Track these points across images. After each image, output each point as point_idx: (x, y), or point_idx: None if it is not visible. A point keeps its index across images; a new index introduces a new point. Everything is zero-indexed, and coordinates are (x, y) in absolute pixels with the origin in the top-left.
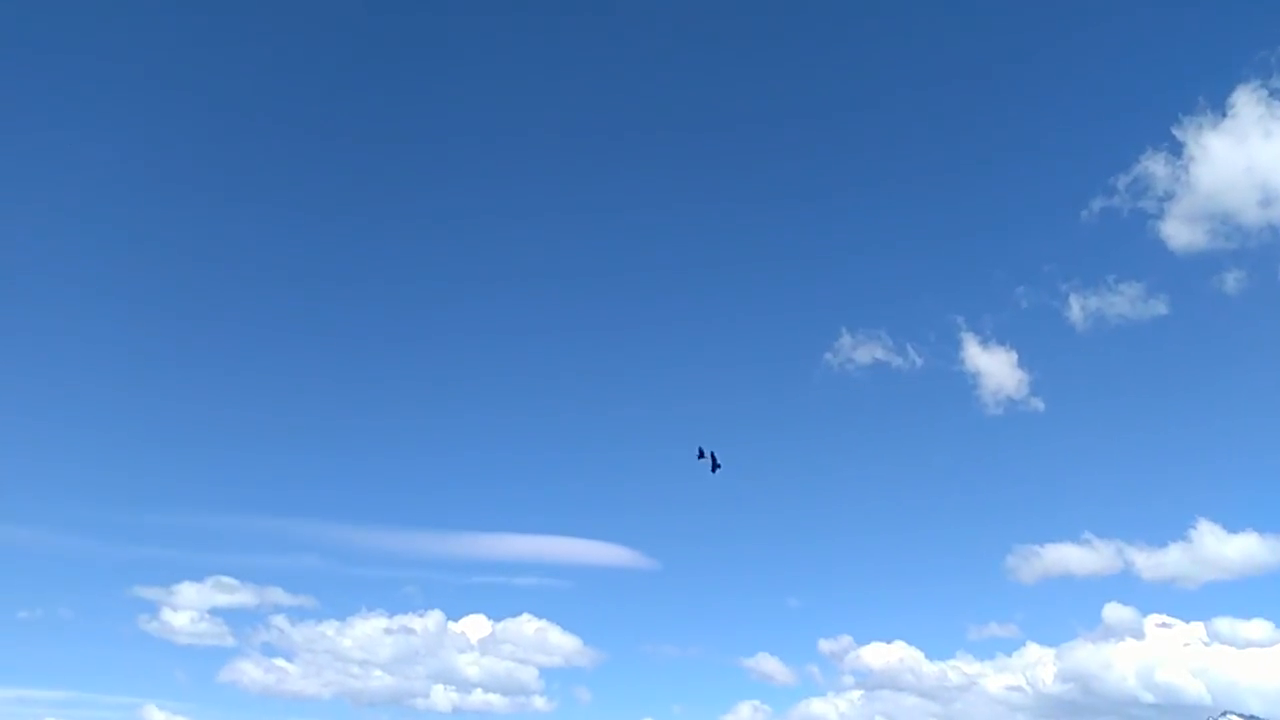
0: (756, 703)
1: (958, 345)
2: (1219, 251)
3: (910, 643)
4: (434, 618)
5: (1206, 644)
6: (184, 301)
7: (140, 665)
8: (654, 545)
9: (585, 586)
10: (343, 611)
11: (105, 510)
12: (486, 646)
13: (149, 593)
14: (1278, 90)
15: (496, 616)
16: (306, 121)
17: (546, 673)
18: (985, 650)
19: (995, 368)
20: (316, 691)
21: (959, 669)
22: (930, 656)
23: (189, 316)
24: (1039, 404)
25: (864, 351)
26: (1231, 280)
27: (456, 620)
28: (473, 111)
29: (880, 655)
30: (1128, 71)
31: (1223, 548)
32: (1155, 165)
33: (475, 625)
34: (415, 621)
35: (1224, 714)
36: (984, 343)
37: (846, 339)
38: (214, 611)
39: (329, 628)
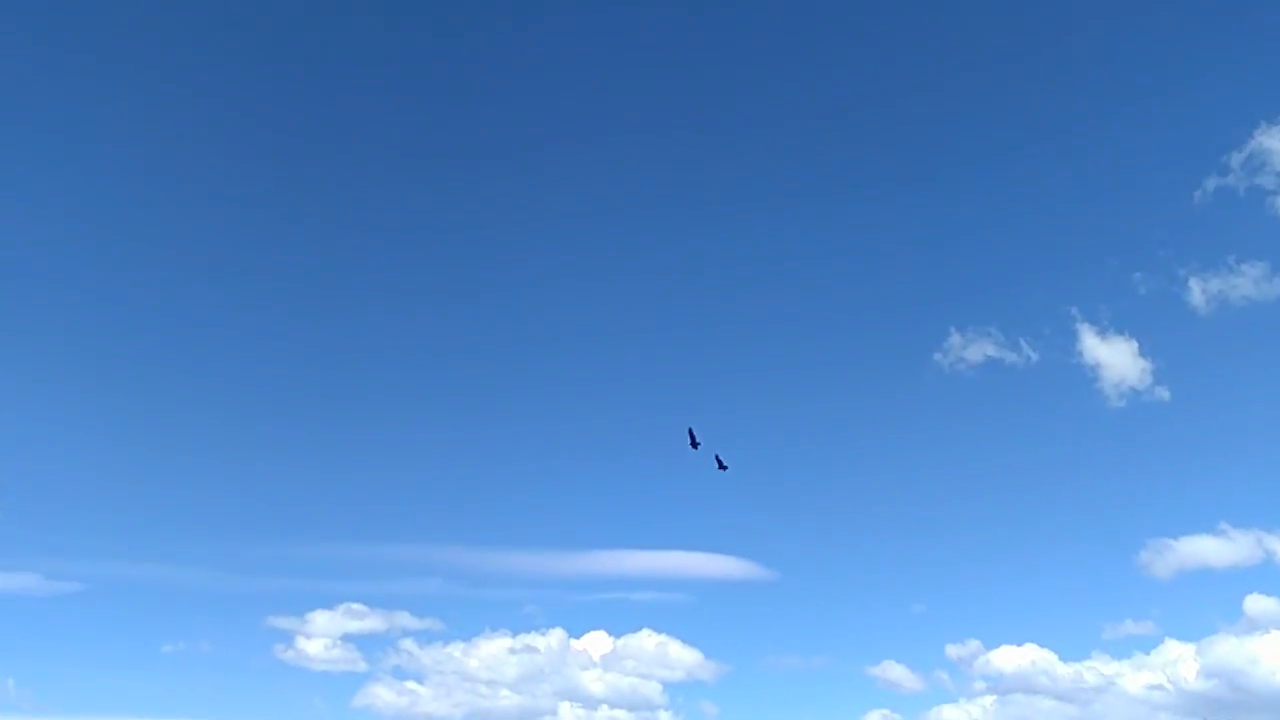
0: (886, 712)
1: (1074, 337)
2: None
3: (1042, 644)
4: (556, 636)
5: None
6: (310, 341)
7: (279, 693)
8: (771, 556)
9: (704, 600)
10: (468, 632)
11: (241, 545)
12: (609, 663)
13: (283, 622)
14: None
15: (617, 633)
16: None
17: (670, 687)
18: (1122, 649)
19: (1115, 358)
20: (448, 712)
21: (1095, 669)
22: (1064, 658)
23: (308, 357)
24: (1164, 393)
25: (975, 350)
26: None
27: (578, 638)
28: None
29: (1011, 658)
30: (1237, 46)
31: None
32: (1271, 140)
33: (596, 642)
34: (538, 640)
35: None
36: (1102, 333)
37: (955, 338)
38: (345, 638)
39: (455, 649)
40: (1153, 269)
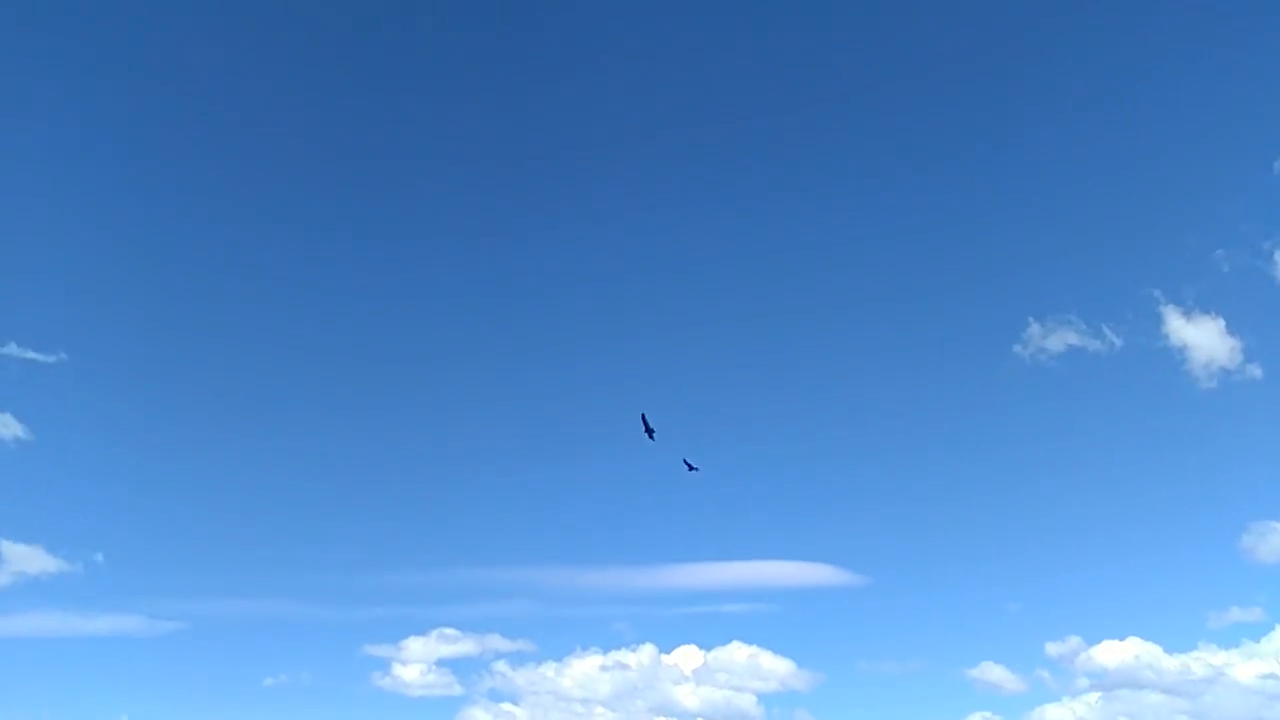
0: (987, 714)
1: (1158, 320)
2: None
3: (1145, 637)
4: (646, 651)
5: None
6: (392, 365)
7: None
8: (859, 560)
9: (794, 609)
10: (559, 652)
11: (335, 575)
12: (701, 676)
13: (380, 650)
14: None
15: (707, 646)
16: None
17: (765, 698)
18: (1229, 638)
19: (1203, 338)
20: None
21: (1203, 660)
22: (1169, 650)
23: (395, 383)
24: (1256, 371)
25: (1056, 339)
26: None
27: (668, 652)
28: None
29: (1114, 653)
30: None
31: None
32: None
33: (687, 656)
34: (629, 657)
35: None
36: (1187, 313)
37: (1035, 328)
38: (440, 663)
39: (548, 669)
40: (1235, 244)
